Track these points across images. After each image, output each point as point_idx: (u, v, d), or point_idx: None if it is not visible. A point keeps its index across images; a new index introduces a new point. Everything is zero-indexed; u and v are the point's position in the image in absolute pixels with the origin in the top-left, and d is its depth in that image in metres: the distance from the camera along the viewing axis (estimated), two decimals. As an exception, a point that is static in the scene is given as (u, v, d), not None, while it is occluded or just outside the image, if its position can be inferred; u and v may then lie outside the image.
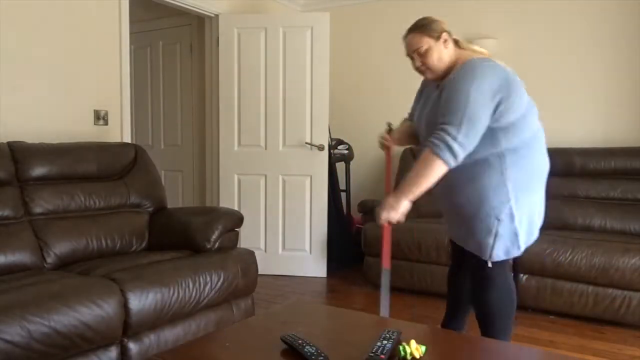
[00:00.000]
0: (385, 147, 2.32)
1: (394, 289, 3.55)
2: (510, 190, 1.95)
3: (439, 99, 1.99)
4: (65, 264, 2.42)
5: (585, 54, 3.76)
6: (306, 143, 3.91)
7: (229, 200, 4.05)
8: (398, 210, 1.92)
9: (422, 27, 2.01)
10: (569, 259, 2.96)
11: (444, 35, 1.99)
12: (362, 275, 3.72)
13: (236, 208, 4.00)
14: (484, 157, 1.96)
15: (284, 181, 4.01)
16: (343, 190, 4.47)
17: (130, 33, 3.38)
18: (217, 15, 4.03)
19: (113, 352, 1.99)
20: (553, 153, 3.58)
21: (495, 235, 1.98)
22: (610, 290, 2.89)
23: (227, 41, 3.98)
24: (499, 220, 1.97)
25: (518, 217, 1.97)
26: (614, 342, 2.70)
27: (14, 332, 1.64)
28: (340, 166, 4.44)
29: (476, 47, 2.07)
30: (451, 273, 2.34)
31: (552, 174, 3.57)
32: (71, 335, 1.79)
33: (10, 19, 2.72)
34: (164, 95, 4.62)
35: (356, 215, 4.31)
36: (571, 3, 3.79)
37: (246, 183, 4.05)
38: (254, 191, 4.04)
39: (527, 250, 2.09)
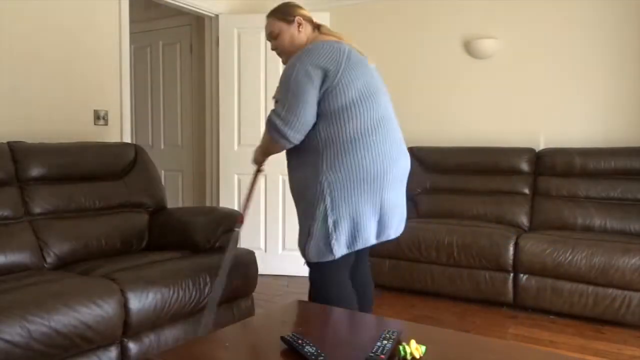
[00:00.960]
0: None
1: (394, 289, 3.56)
2: (325, 189, 1.85)
3: None
4: (65, 264, 2.42)
5: (585, 54, 3.76)
6: (306, 143, 3.91)
7: (229, 200, 4.05)
8: (262, 160, 2.14)
9: (276, 11, 2.06)
10: (569, 259, 2.96)
11: (298, 19, 2.02)
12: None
13: (236, 208, 4.00)
14: (308, 145, 1.90)
15: (284, 181, 4.01)
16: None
17: (130, 33, 3.38)
18: (217, 15, 4.02)
19: (113, 352, 1.99)
20: (553, 153, 3.64)
21: (308, 234, 1.90)
22: (610, 290, 2.89)
23: (227, 41, 3.98)
24: (313, 218, 1.87)
25: (332, 220, 1.85)
26: (614, 342, 2.69)
27: (14, 332, 1.64)
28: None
29: (339, 34, 2.04)
30: None
31: (553, 173, 3.63)
32: (71, 335, 1.79)
33: (10, 19, 2.72)
34: (164, 95, 4.62)
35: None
36: (571, 3, 3.78)
37: (246, 183, 4.05)
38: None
39: (383, 244, 2.01)
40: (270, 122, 1.87)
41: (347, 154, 1.83)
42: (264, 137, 2.00)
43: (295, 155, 1.97)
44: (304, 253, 1.95)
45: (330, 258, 1.89)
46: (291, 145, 1.91)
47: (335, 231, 1.85)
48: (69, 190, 2.60)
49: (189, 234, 2.63)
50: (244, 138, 4.03)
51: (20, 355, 1.65)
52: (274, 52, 4.02)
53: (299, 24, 2.03)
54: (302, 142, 1.90)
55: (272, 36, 2.07)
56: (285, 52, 2.06)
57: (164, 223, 2.78)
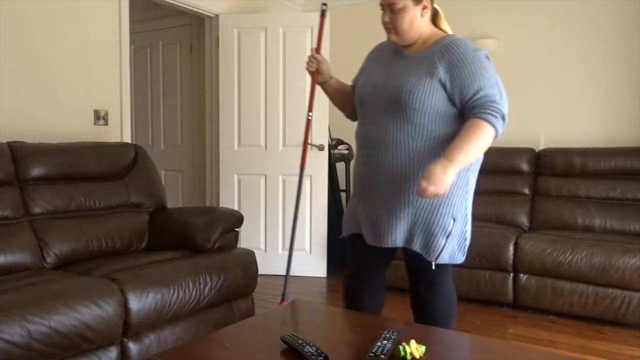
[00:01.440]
0: (314, 68, 2.14)
1: (394, 289, 3.56)
2: (470, 190, 1.82)
3: (410, 65, 1.83)
4: (65, 264, 2.41)
5: (586, 54, 3.76)
6: (306, 143, 3.90)
7: (229, 200, 4.05)
8: (445, 183, 1.62)
9: None
10: (569, 259, 2.96)
11: (425, 2, 1.80)
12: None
13: (236, 208, 4.00)
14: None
15: (284, 181, 4.01)
16: (343, 190, 4.47)
17: (130, 33, 3.38)
18: (217, 15, 4.02)
19: (113, 352, 1.99)
20: (553, 153, 3.64)
21: (448, 236, 1.79)
22: (610, 290, 2.89)
23: (227, 41, 3.98)
24: (455, 219, 1.79)
25: (469, 221, 1.85)
26: (614, 342, 2.69)
27: (14, 332, 1.64)
28: (340, 166, 4.44)
29: (448, 29, 1.89)
30: (355, 283, 2.02)
31: (553, 173, 3.63)
32: (71, 335, 1.79)
33: (10, 19, 2.72)
34: (164, 95, 4.62)
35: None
36: (571, 3, 3.78)
37: (246, 183, 4.05)
38: (254, 191, 4.04)
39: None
40: (498, 114, 1.69)
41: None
42: (474, 135, 1.69)
43: (438, 148, 1.78)
44: (437, 256, 1.81)
45: (459, 261, 1.85)
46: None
47: (468, 231, 1.86)
48: (69, 190, 2.60)
49: (189, 234, 2.63)
50: (244, 138, 4.03)
51: (20, 355, 1.65)
52: (273, 53, 4.06)
53: (424, 7, 1.80)
54: (444, 137, 1.78)
55: (391, 8, 1.80)
56: (399, 31, 1.82)
57: (164, 223, 2.78)
